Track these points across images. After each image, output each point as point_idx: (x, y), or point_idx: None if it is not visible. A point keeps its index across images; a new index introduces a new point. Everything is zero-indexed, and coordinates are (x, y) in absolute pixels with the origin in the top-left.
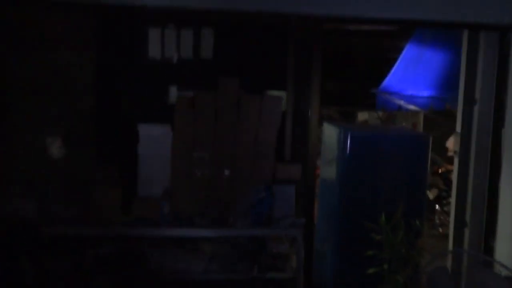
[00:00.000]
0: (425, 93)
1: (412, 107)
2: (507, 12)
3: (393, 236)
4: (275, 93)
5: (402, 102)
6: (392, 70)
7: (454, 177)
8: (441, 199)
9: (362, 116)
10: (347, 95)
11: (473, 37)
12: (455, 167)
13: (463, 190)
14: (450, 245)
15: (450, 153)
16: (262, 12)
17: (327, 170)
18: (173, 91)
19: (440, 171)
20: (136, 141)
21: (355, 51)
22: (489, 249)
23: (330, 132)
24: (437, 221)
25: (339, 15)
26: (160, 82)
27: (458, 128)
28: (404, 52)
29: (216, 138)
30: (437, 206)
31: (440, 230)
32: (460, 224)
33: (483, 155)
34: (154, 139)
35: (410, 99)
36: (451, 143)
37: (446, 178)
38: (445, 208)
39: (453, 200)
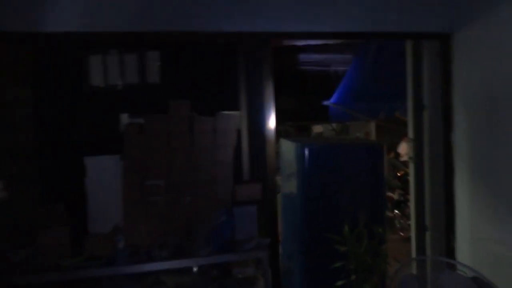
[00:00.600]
0: (374, 102)
1: (363, 116)
2: (447, 21)
3: (358, 245)
4: (229, 113)
5: (353, 113)
6: (342, 82)
7: (412, 182)
8: (401, 203)
9: (316, 129)
10: (301, 110)
11: (416, 46)
12: (411, 173)
13: (420, 195)
14: (413, 249)
15: (402, 158)
16: (206, 32)
17: (287, 186)
18: (124, 119)
19: (399, 175)
20: (84, 175)
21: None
22: (450, 251)
23: (287, 148)
24: (398, 225)
25: (286, 31)
26: (106, 110)
27: (411, 134)
28: (352, 64)
29: (170, 163)
30: (395, 211)
31: (402, 234)
32: (421, 228)
33: (436, 160)
34: (102, 171)
35: (361, 109)
36: (403, 149)
37: (406, 181)
38: (404, 211)
39: (412, 205)
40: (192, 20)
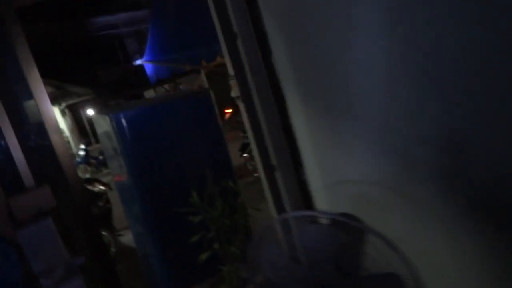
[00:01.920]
0: (190, 49)
1: (184, 66)
2: None
3: (212, 210)
4: None
5: (170, 65)
6: (149, 37)
7: (246, 123)
8: (247, 145)
9: (149, 94)
10: (126, 79)
11: None
12: (243, 113)
13: (259, 135)
14: (266, 191)
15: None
16: None
17: (114, 166)
18: None
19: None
20: None
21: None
22: (303, 184)
23: (101, 124)
24: (250, 167)
25: None
26: None
27: (230, 70)
28: (150, 18)
29: None
30: (244, 155)
31: (256, 175)
32: (269, 168)
33: (264, 92)
34: None
35: (176, 59)
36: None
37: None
38: (252, 153)
39: (254, 147)
40: None
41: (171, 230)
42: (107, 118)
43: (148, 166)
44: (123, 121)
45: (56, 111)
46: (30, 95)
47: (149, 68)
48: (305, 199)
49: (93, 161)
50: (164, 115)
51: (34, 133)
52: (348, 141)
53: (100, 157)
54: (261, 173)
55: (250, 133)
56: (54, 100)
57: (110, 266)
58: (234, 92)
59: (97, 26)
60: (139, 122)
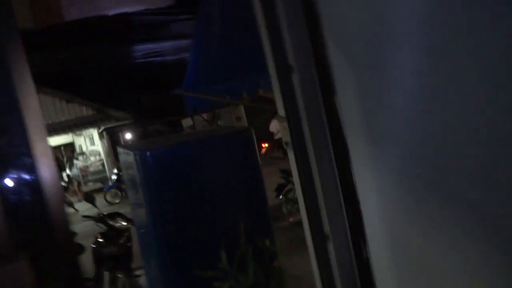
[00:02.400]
0: (230, 81)
1: (225, 99)
2: None
3: (243, 275)
4: None
5: (210, 97)
6: (189, 66)
7: (295, 176)
8: (283, 186)
9: (186, 123)
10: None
11: None
12: (292, 163)
13: (309, 192)
14: (313, 264)
15: (277, 137)
16: None
17: (137, 212)
18: None
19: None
20: None
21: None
22: (363, 260)
23: (126, 158)
24: (285, 211)
25: None
26: None
27: (281, 110)
28: (192, 47)
29: None
30: (280, 196)
31: (291, 219)
32: (319, 237)
33: (321, 139)
34: None
35: (217, 91)
36: (275, 126)
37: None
38: (289, 196)
39: (301, 206)
40: None
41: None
42: (131, 155)
43: (172, 214)
44: (150, 161)
45: (94, 134)
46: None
47: (187, 98)
48: (364, 281)
49: (124, 186)
50: (198, 155)
51: (19, 170)
52: (436, 217)
53: None
54: (308, 241)
55: (298, 189)
56: (94, 123)
57: None
58: (283, 136)
59: (141, 52)
60: (168, 162)
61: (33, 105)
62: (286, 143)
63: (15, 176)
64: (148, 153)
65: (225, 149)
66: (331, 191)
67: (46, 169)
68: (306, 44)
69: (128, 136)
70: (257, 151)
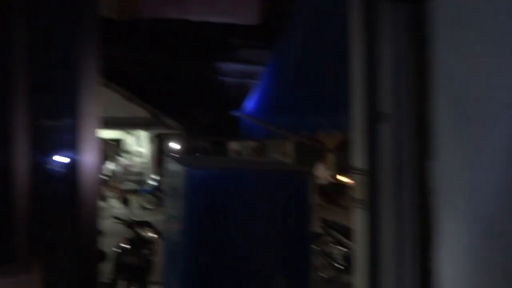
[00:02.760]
0: (297, 115)
1: (283, 132)
2: None
3: None
4: None
5: (271, 128)
6: (257, 89)
7: (360, 242)
8: (319, 236)
9: (233, 146)
10: (217, 126)
11: (370, 16)
12: (359, 224)
13: (374, 272)
14: None
15: (321, 182)
16: None
17: (171, 220)
18: None
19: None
20: None
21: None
22: None
23: (173, 169)
24: (316, 263)
25: None
26: None
27: (358, 162)
28: (264, 74)
29: None
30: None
31: (322, 274)
32: None
33: (407, 207)
34: None
35: (280, 123)
36: (322, 172)
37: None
38: (325, 249)
39: (361, 275)
40: None
41: None
42: (181, 169)
43: (207, 239)
44: (198, 181)
45: (144, 136)
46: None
47: (244, 122)
48: None
49: (158, 193)
50: (249, 187)
51: (62, 152)
52: None
53: None
54: None
55: (360, 257)
56: (146, 126)
57: None
58: (356, 192)
59: (207, 68)
60: (217, 186)
61: (93, 93)
62: (357, 200)
63: (56, 158)
64: (198, 172)
65: (278, 188)
66: (408, 274)
67: (89, 158)
68: (406, 93)
69: (174, 145)
70: (309, 200)
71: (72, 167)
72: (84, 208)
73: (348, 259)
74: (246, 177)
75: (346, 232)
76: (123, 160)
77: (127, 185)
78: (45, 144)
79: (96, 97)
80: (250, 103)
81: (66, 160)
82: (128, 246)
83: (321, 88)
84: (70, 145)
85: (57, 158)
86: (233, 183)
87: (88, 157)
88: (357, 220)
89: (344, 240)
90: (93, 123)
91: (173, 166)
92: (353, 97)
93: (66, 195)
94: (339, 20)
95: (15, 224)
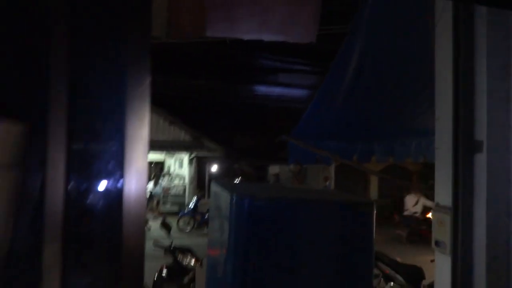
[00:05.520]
0: (347, 142)
1: (332, 157)
2: None
3: None
4: None
5: (321, 153)
6: (308, 111)
7: None
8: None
9: (273, 170)
10: (258, 148)
11: (460, 16)
12: (438, 271)
13: None
14: None
15: (406, 212)
16: None
17: (216, 246)
18: None
19: None
20: None
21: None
22: None
23: (220, 196)
24: None
25: None
26: None
27: (442, 197)
28: (315, 97)
29: None
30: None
31: None
32: None
33: (500, 258)
34: None
35: (329, 148)
36: (411, 202)
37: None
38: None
39: None
40: None
41: None
42: (228, 197)
43: (256, 272)
44: (247, 209)
45: (185, 159)
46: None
47: (292, 147)
48: None
49: (198, 216)
50: (304, 218)
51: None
52: None
53: (206, 216)
54: None
55: None
56: (188, 148)
57: None
58: (437, 232)
59: (249, 93)
60: (267, 216)
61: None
62: (438, 242)
63: (100, 183)
64: (247, 200)
65: (336, 220)
66: None
67: (136, 184)
68: (504, 119)
69: (214, 168)
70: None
71: (118, 194)
72: (131, 235)
73: None
74: (302, 207)
75: (395, 266)
76: (164, 182)
77: (168, 208)
78: (88, 170)
79: (145, 120)
80: (299, 127)
81: (110, 186)
82: (166, 274)
83: (376, 115)
84: (117, 170)
85: (101, 184)
86: (286, 213)
87: (135, 183)
88: (437, 265)
89: (394, 275)
90: (142, 147)
91: (218, 191)
92: (440, 125)
93: (114, 225)
94: (406, 39)
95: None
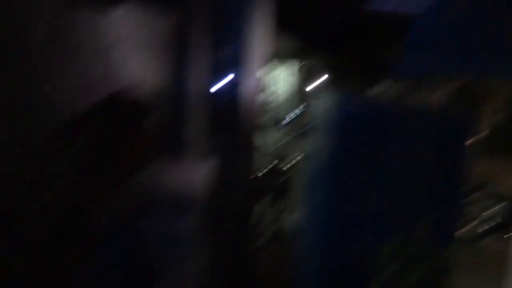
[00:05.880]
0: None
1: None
2: None
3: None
4: None
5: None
6: (425, 19)
7: None
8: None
9: (378, 86)
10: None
11: None
12: None
13: None
14: None
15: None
16: None
17: (313, 159)
18: None
19: None
20: None
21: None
22: None
23: (321, 105)
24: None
25: None
26: None
27: None
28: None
29: None
30: None
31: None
32: None
33: None
34: None
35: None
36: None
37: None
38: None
39: None
40: None
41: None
42: (330, 98)
43: (348, 173)
44: (348, 115)
45: (288, 70)
46: None
47: (407, 58)
48: None
49: (300, 127)
50: (403, 125)
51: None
52: None
53: (307, 127)
54: None
55: None
56: (293, 58)
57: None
58: None
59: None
60: (368, 121)
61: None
62: None
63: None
64: (349, 106)
65: (432, 127)
66: None
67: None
68: None
69: (318, 80)
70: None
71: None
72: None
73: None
74: (401, 113)
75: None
76: (263, 94)
77: (265, 118)
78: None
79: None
80: (414, 34)
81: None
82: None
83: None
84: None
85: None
86: (386, 119)
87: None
88: None
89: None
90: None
91: (320, 101)
92: None
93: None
94: None
95: None
